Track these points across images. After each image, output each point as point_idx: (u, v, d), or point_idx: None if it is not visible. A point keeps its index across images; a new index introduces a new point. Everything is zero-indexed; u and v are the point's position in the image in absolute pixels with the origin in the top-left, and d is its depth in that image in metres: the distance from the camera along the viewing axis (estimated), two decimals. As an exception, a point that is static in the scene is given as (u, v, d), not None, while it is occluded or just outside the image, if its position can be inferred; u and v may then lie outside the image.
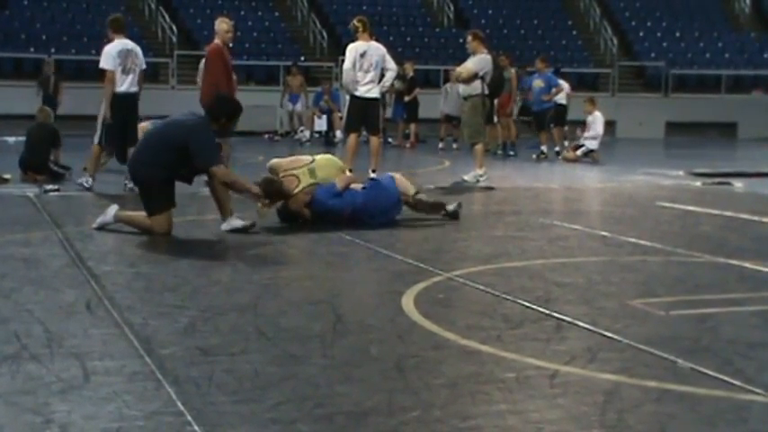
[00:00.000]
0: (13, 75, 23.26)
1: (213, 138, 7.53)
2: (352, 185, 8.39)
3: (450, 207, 8.76)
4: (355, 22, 11.84)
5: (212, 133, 7.53)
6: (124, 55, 10.67)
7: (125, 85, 10.64)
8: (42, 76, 19.99)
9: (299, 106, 22.23)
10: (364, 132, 12.14)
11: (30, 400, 3.59)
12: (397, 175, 8.72)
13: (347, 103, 12.33)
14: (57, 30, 24.96)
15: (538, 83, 17.82)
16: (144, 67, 10.96)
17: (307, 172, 8.35)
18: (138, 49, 10.95)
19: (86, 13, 25.73)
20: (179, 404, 3.55)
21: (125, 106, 10.63)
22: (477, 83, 11.96)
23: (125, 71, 10.64)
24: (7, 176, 11.32)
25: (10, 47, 23.93)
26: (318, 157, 8.76)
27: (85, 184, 10.60)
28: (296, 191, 8.20)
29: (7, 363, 4.04)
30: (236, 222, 7.75)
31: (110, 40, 10.90)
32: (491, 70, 12.02)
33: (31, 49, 23.88)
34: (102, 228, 7.76)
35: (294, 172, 8.35)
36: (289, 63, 23.70)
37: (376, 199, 8.27)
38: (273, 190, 8.16)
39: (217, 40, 11.33)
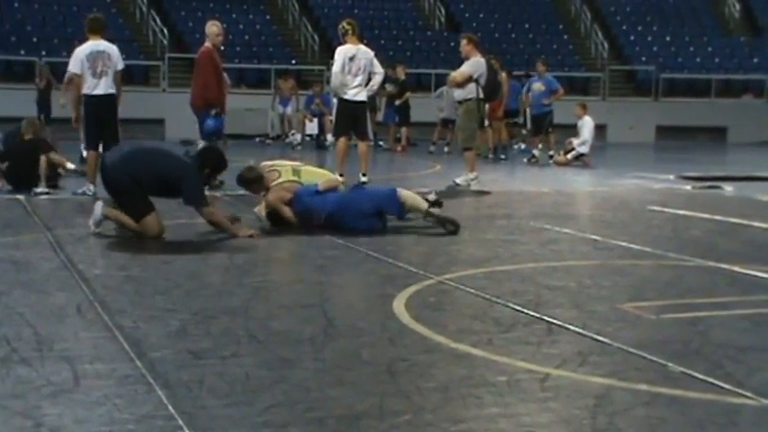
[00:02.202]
0: (3, 77, 23.21)
1: (200, 181, 7.76)
2: (335, 188, 8.39)
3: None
4: (345, 24, 11.85)
5: (200, 177, 7.76)
6: (93, 57, 10.33)
7: (99, 87, 10.33)
8: (45, 77, 19.93)
9: (289, 109, 22.23)
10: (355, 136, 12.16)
11: (20, 403, 3.58)
12: (405, 192, 8.40)
13: (335, 107, 12.35)
14: (48, 32, 24.91)
15: (537, 86, 17.82)
16: (120, 67, 10.52)
17: (290, 170, 8.55)
18: (111, 50, 10.48)
19: (77, 15, 25.65)
20: (170, 407, 3.54)
21: (99, 109, 10.38)
22: (472, 86, 11.97)
23: (95, 74, 10.31)
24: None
25: (1, 49, 23.88)
26: (309, 166, 8.86)
27: (88, 192, 10.31)
28: (274, 183, 8.30)
29: (-3, 366, 4.03)
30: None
31: (85, 40, 10.62)
32: (485, 73, 12.02)
33: (22, 52, 23.84)
34: (98, 226, 7.72)
35: (277, 168, 8.57)
36: (280, 66, 23.70)
37: (353, 204, 8.13)
38: (252, 177, 8.42)
39: (207, 43, 11.31)
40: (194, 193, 7.68)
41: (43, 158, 10.99)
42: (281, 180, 8.36)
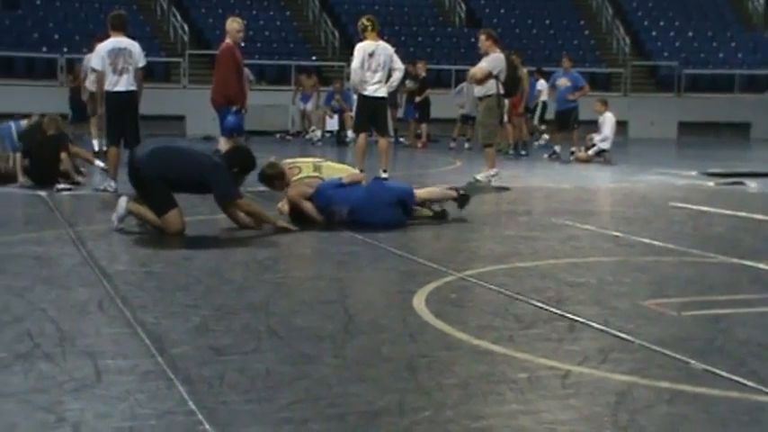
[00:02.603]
0: (25, 74, 23.33)
1: (229, 175, 7.73)
2: (359, 182, 8.49)
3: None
4: (364, 20, 11.84)
5: (228, 172, 7.73)
6: (114, 54, 10.40)
7: (119, 84, 10.40)
8: (78, 75, 19.91)
9: (309, 106, 22.27)
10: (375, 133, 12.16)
11: (42, 398, 3.60)
12: (419, 191, 8.70)
13: (355, 103, 12.37)
14: (69, 29, 25.02)
15: (563, 81, 17.73)
16: (141, 65, 10.58)
17: (311, 165, 8.62)
18: (133, 48, 10.56)
19: (99, 12, 25.69)
20: (191, 403, 3.55)
21: (120, 105, 10.44)
22: (492, 83, 11.95)
23: (116, 71, 10.37)
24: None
25: (23, 47, 24.00)
26: (332, 162, 8.97)
27: (109, 189, 10.34)
28: (295, 179, 8.39)
29: (20, 361, 4.05)
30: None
31: (105, 37, 10.70)
32: (505, 69, 11.99)
33: (44, 49, 23.94)
34: (121, 222, 7.75)
35: (298, 164, 8.66)
36: (300, 62, 23.72)
37: (375, 196, 8.22)
38: (273, 173, 8.46)
39: (228, 40, 11.33)
40: (226, 189, 7.71)
41: (64, 154, 11.04)
42: (301, 175, 8.40)
